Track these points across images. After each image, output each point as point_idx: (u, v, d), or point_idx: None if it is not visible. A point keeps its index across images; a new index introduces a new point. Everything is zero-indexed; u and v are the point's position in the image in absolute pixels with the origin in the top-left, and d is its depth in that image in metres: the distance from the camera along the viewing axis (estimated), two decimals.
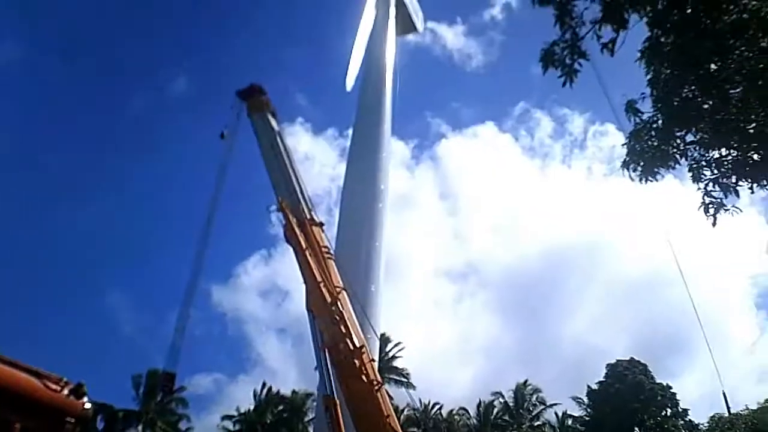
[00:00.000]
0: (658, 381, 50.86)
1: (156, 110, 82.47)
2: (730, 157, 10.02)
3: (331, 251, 22.23)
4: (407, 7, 38.46)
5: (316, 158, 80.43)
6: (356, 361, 18.63)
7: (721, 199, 10.29)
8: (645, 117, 10.71)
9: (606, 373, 51.89)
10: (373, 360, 20.21)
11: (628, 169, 10.93)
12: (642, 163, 10.76)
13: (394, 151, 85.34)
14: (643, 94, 10.69)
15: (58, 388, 4.41)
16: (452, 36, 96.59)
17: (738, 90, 9.34)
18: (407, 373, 50.84)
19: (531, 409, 55.30)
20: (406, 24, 38.88)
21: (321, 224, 22.74)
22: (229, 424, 53.32)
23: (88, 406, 4.59)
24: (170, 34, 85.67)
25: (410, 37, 39.99)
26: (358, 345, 19.00)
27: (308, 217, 22.45)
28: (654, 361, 53.23)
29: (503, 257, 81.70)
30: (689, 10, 8.96)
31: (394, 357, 51.12)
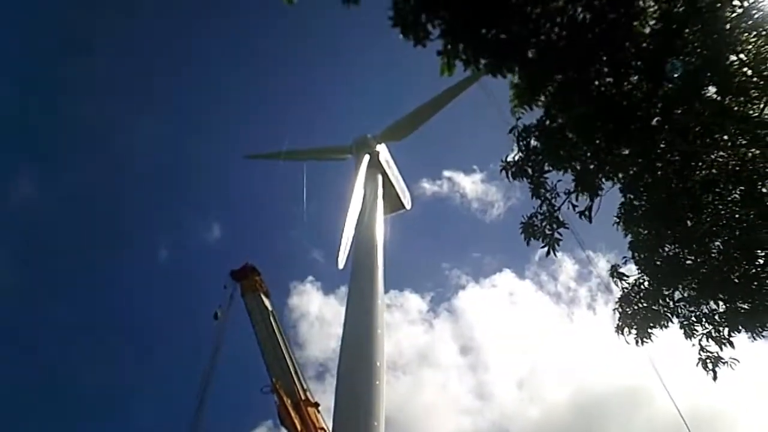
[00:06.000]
0: None
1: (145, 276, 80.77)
2: (720, 310, 10.11)
3: None
4: (395, 188, 40.62)
5: (325, 318, 78.47)
6: None
7: (717, 352, 10.25)
8: (631, 280, 10.92)
9: None
10: None
11: (621, 333, 10.93)
12: (635, 327, 10.80)
13: (410, 306, 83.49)
14: (624, 257, 10.97)
15: None
16: (470, 184, 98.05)
17: (718, 243, 9.65)
18: None
19: None
20: (394, 203, 40.76)
21: (317, 404, 22.03)
22: None
23: None
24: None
25: (401, 212, 41.58)
26: None
27: (303, 398, 21.84)
28: None
29: (532, 414, 76.48)
30: (660, 173, 9.44)
31: None
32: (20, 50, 73.76)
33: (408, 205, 43.06)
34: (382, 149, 39.96)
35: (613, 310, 11.17)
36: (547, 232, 10.25)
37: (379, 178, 39.16)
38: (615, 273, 11.22)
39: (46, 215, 77.43)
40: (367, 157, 37.78)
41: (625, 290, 10.99)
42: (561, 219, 10.30)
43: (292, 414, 20.61)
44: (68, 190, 79.12)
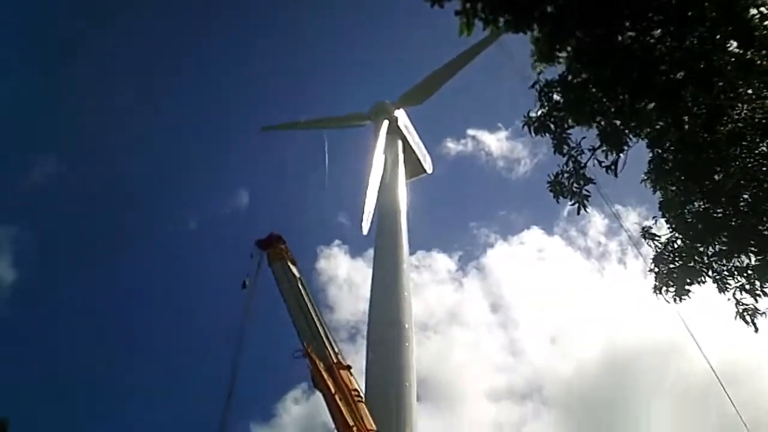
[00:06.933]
0: None
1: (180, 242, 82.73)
2: (752, 263, 10.04)
3: (362, 394, 21.77)
4: (415, 153, 40.44)
5: (354, 281, 78.42)
6: None
7: (753, 304, 10.20)
8: (663, 239, 10.86)
9: None
10: None
11: (660, 293, 10.91)
12: (673, 285, 10.77)
13: (438, 267, 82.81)
14: (654, 216, 10.89)
15: None
16: (496, 142, 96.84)
17: (746, 195, 9.56)
18: None
19: None
20: (415, 168, 40.71)
21: (349, 367, 22.45)
22: None
23: None
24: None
25: (423, 176, 41.59)
26: None
27: (335, 360, 22.23)
28: None
29: (564, 370, 75.35)
30: (686, 127, 9.31)
31: None
32: (20, 50, 75.02)
33: (429, 170, 42.97)
34: (400, 114, 39.68)
35: (649, 270, 11.14)
36: (575, 189, 10.05)
37: (399, 143, 39.03)
38: (647, 234, 11.18)
39: (66, 203, 79.18)
40: (386, 123, 37.61)
41: (659, 249, 10.95)
42: (588, 176, 10.07)
43: (326, 377, 21.03)
44: (92, 173, 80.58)
